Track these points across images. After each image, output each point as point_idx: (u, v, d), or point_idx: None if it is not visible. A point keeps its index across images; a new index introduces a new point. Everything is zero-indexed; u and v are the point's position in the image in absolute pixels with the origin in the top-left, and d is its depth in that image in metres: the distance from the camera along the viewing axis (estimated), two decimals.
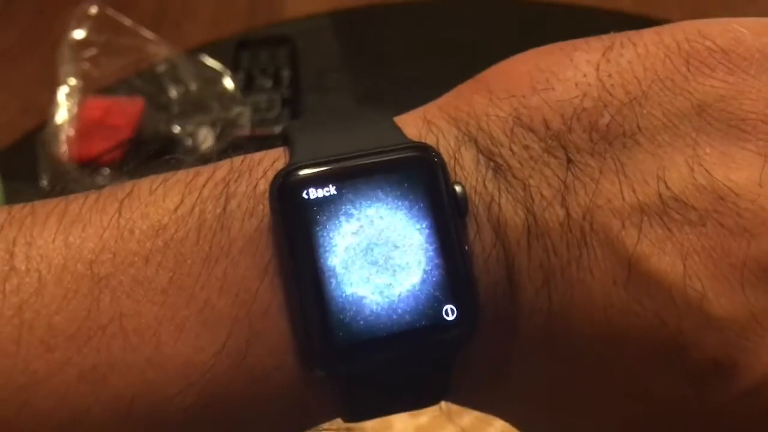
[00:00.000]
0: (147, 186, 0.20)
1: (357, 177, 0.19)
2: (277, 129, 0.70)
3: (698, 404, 0.19)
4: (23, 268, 0.18)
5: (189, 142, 0.69)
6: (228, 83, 0.73)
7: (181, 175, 0.20)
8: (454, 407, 0.23)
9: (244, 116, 0.70)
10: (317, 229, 0.19)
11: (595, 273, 0.19)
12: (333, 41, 0.82)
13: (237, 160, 0.21)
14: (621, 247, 0.19)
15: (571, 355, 0.20)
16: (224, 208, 0.19)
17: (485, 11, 0.84)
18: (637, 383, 0.19)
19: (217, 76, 0.73)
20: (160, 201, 0.20)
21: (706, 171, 0.19)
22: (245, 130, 0.69)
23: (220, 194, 0.20)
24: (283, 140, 0.21)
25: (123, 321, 0.18)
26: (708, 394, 0.19)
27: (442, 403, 0.23)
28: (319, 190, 0.19)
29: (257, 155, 0.21)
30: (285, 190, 0.19)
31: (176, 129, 0.70)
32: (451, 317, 0.19)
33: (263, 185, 0.20)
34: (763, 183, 0.19)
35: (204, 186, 0.20)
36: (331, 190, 0.19)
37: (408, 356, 0.19)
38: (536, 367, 0.20)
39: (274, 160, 0.21)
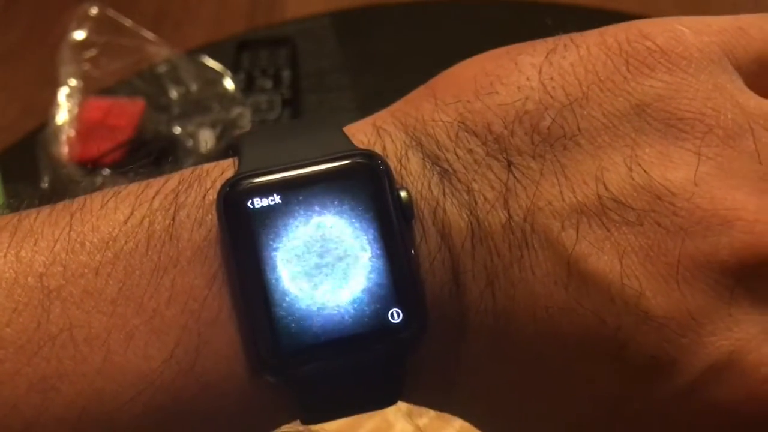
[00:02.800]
0: (99, 199, 0.20)
1: (302, 186, 0.20)
2: None
3: (641, 402, 0.19)
4: None
5: (189, 142, 0.69)
6: (228, 84, 0.73)
7: (133, 187, 0.21)
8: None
9: (244, 117, 0.70)
10: (263, 237, 0.19)
11: (536, 273, 0.19)
12: (333, 41, 0.82)
13: (187, 171, 0.21)
14: (560, 248, 0.19)
15: (516, 355, 0.20)
16: (173, 219, 0.20)
17: (485, 11, 0.84)
18: (580, 382, 0.19)
19: (218, 76, 0.73)
20: (111, 213, 0.20)
21: (644, 171, 0.19)
22: (246, 131, 0.69)
23: (169, 205, 0.20)
24: (234, 151, 0.22)
25: (73, 331, 0.19)
26: (649, 391, 0.19)
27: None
28: (264, 200, 0.19)
29: (207, 166, 0.21)
30: (230, 200, 0.19)
31: (177, 130, 0.70)
32: (396, 320, 0.19)
33: (212, 195, 0.20)
34: (699, 181, 0.19)
35: (154, 197, 0.20)
36: (276, 199, 0.19)
37: (356, 359, 0.20)
38: (485, 368, 0.21)
39: (223, 170, 0.21)
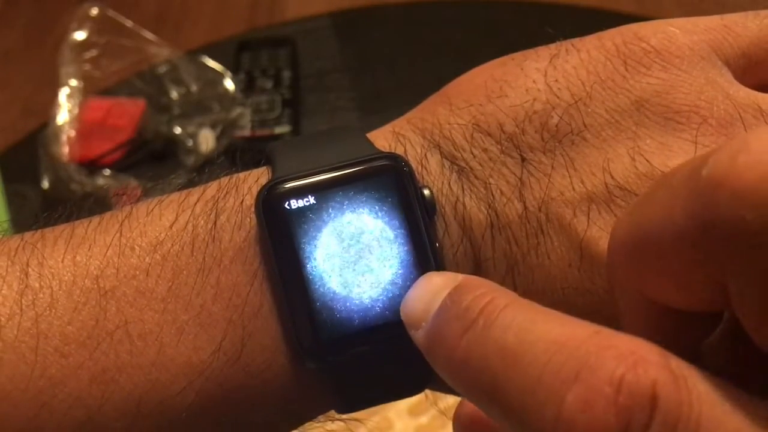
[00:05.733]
0: (144, 207, 0.22)
1: (334, 187, 0.21)
2: (278, 130, 0.70)
3: None
4: (37, 285, 0.20)
5: (190, 142, 0.70)
6: (229, 84, 0.73)
7: (174, 195, 0.22)
8: (450, 408, 0.23)
9: (244, 117, 0.70)
10: (300, 235, 0.21)
11: (552, 257, 0.21)
12: (333, 42, 0.82)
13: (224, 179, 0.23)
14: (573, 233, 0.21)
15: None
16: (215, 223, 0.21)
17: (484, 11, 0.84)
18: None
19: (218, 77, 0.74)
20: (157, 219, 0.22)
21: (646, 160, 0.20)
22: (246, 131, 0.70)
23: (210, 210, 0.22)
24: (266, 160, 0.23)
25: (128, 327, 0.20)
26: None
27: (441, 404, 0.24)
28: (300, 201, 0.21)
29: (242, 174, 0.23)
30: (269, 203, 0.21)
31: (177, 130, 0.70)
32: None
33: (249, 200, 0.22)
34: None
35: (196, 204, 0.22)
36: (311, 199, 0.21)
37: (390, 345, 0.21)
38: None
39: (257, 177, 0.23)
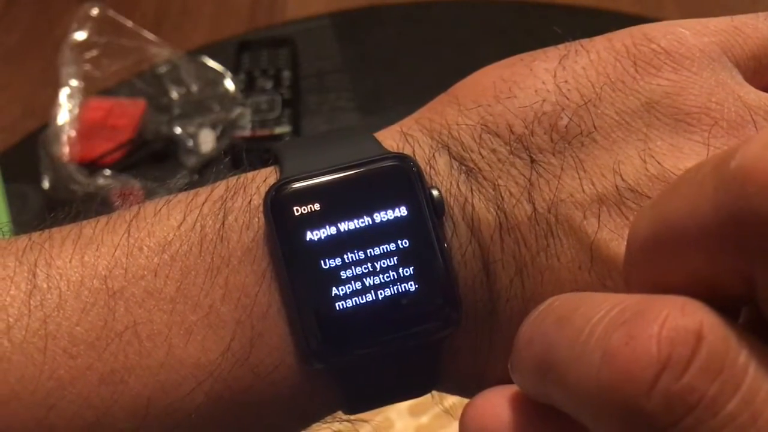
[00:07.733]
0: (152, 207, 0.22)
1: (342, 187, 0.21)
2: (278, 130, 0.70)
3: None
4: (45, 286, 0.20)
5: (190, 143, 0.70)
6: (229, 84, 0.73)
7: (182, 195, 0.22)
8: (455, 407, 0.23)
9: (244, 117, 0.70)
10: (308, 235, 0.21)
11: (561, 260, 0.21)
12: (333, 42, 0.82)
13: (232, 179, 0.23)
14: (583, 236, 0.20)
15: None
16: (223, 223, 0.21)
17: (485, 11, 0.84)
18: None
19: (218, 77, 0.74)
20: (165, 219, 0.22)
21: (657, 162, 0.20)
22: (246, 131, 0.70)
23: (218, 210, 0.22)
24: (273, 160, 0.23)
25: (137, 328, 0.20)
26: None
27: (446, 403, 0.24)
28: (308, 201, 0.21)
29: (250, 174, 0.23)
30: (277, 203, 0.21)
31: (177, 130, 0.70)
32: (432, 309, 0.21)
33: (257, 200, 0.22)
34: None
35: (203, 204, 0.22)
36: (319, 200, 0.21)
37: (397, 346, 0.21)
38: None
39: (265, 177, 0.22)
